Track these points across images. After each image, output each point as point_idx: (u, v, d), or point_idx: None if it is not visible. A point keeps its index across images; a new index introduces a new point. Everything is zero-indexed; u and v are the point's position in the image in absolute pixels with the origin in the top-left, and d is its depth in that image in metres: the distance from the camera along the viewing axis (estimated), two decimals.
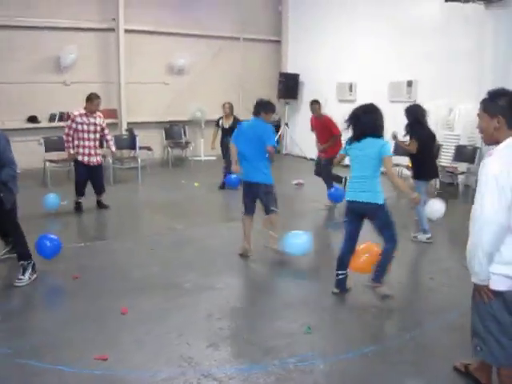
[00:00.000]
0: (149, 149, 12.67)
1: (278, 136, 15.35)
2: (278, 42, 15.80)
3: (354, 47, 13.02)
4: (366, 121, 5.04)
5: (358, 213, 5.15)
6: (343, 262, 5.24)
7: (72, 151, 8.46)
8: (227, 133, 10.32)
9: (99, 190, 8.85)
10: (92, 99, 8.43)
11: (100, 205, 8.90)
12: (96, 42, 12.96)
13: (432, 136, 7.46)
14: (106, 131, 8.78)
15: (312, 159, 12.62)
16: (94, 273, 5.92)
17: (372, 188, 5.03)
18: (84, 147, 8.42)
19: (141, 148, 12.10)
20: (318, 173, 9.65)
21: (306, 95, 14.96)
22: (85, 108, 8.44)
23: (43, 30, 12.02)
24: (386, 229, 5.08)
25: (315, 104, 9.33)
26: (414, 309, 5.12)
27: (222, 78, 14.75)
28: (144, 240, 7.19)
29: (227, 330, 4.55)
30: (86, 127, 8.38)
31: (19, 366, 3.93)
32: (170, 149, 13.40)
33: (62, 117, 12.40)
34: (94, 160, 8.56)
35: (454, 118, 10.68)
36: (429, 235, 7.32)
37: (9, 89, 11.65)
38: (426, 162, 7.30)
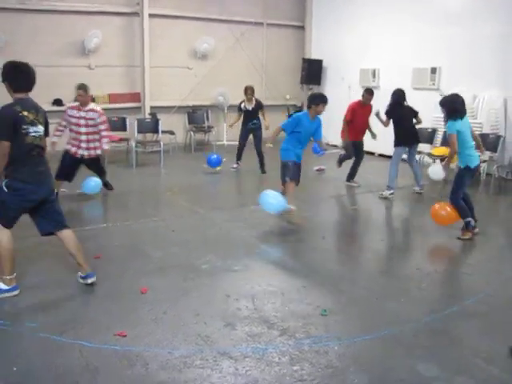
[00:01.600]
0: (171, 133, 12.77)
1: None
2: (302, 27, 15.73)
3: (377, 33, 12.93)
4: (464, 103, 6.83)
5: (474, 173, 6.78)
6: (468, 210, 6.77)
7: (54, 139, 7.98)
8: (250, 115, 10.45)
9: (98, 174, 8.66)
10: (76, 89, 8.27)
11: (105, 185, 8.76)
12: (120, 26, 13.05)
13: (412, 112, 9.11)
14: (102, 127, 8.26)
15: (334, 145, 12.66)
16: (115, 253, 6.05)
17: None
18: (73, 139, 8.18)
19: (163, 132, 12.21)
20: (359, 157, 9.86)
21: (330, 81, 14.96)
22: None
23: (68, 14, 12.16)
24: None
25: (372, 94, 9.58)
26: (430, 295, 5.15)
27: (245, 63, 14.76)
28: (165, 222, 7.30)
29: (244, 311, 4.63)
30: (75, 120, 8.12)
31: (43, 339, 4.05)
32: (192, 133, 13.48)
33: None
34: (85, 153, 8.18)
35: (478, 106, 10.58)
36: (392, 191, 8.92)
37: None
38: (403, 133, 8.95)
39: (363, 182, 9.79)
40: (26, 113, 4.57)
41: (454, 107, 6.75)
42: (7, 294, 4.76)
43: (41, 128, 4.72)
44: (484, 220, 7.59)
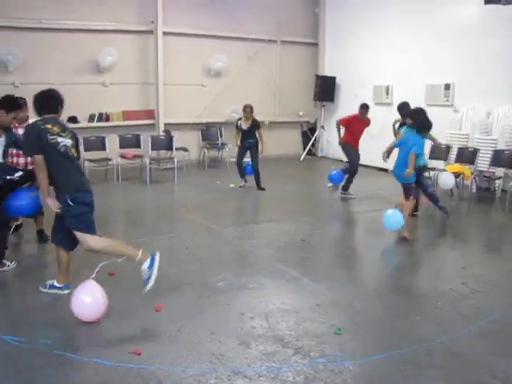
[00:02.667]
0: (185, 150, 12.84)
1: (313, 139, 15.41)
2: (315, 44, 15.82)
3: (391, 50, 12.97)
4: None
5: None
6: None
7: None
8: (246, 134, 10.52)
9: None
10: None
11: (40, 236, 6.96)
12: (135, 44, 13.20)
13: None
14: None
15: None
16: (129, 270, 6.03)
17: None
18: (17, 164, 6.57)
19: (177, 149, 12.27)
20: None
21: (343, 98, 14.98)
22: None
23: (84, 33, 12.32)
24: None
25: (367, 108, 10.13)
26: (445, 314, 5.10)
27: (258, 81, 14.84)
28: (179, 239, 7.31)
29: (259, 329, 4.61)
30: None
31: (57, 357, 4.06)
32: (206, 150, 13.55)
33: (101, 117, 12.69)
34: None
35: (492, 122, 10.55)
36: None
37: None
38: None
39: (377, 199, 9.76)
40: (49, 126, 4.85)
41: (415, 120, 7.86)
42: None
43: (69, 141, 4.96)
44: (499, 237, 7.55)
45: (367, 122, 10.25)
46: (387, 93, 13.28)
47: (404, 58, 12.63)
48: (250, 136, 10.57)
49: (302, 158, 15.06)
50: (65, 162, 4.89)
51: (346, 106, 14.16)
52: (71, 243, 5.14)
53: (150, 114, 13.49)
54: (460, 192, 10.19)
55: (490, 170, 10.00)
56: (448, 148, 10.70)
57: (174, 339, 4.40)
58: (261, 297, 5.35)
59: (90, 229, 4.98)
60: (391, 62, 13.01)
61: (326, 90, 15.04)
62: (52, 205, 4.92)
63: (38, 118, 5.00)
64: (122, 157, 11.60)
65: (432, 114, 11.22)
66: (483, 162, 10.20)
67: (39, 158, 4.78)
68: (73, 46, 12.22)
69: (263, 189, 10.65)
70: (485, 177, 10.01)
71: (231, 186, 10.81)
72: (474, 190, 10.17)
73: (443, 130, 11.08)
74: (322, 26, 15.60)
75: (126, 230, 8.16)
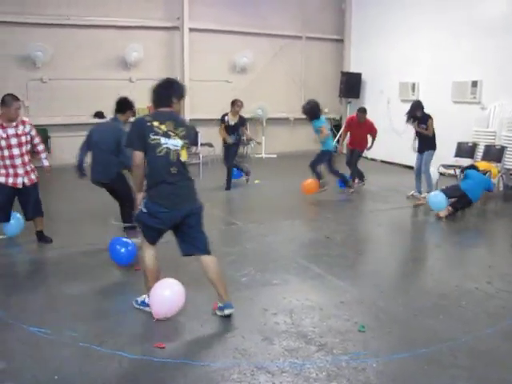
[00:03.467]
0: (210, 145, 12.89)
1: (338, 135, 15.34)
2: (341, 40, 15.74)
3: (417, 47, 12.83)
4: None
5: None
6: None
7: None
8: (232, 130, 10.36)
9: (32, 215, 6.70)
10: (7, 102, 6.19)
11: (40, 237, 6.81)
12: (161, 40, 13.31)
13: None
14: (37, 140, 6.66)
15: (373, 159, 12.68)
16: None
17: None
18: (6, 167, 6.34)
19: (202, 144, 12.33)
20: (349, 163, 10.83)
21: (368, 94, 14.89)
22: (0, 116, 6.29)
23: (110, 29, 12.46)
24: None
25: (365, 113, 10.48)
26: (470, 313, 5.06)
27: (283, 77, 14.84)
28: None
29: (282, 325, 4.62)
30: (3, 143, 6.23)
31: (83, 349, 4.13)
32: None
33: None
34: (26, 180, 6.49)
35: None
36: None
37: (77, 85, 12.11)
38: (433, 137, 9.39)
39: (401, 197, 9.68)
40: (156, 123, 4.43)
41: (315, 112, 9.75)
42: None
43: (178, 142, 4.51)
44: None
45: (367, 124, 10.41)
46: (413, 90, 13.14)
47: (431, 55, 12.49)
48: (233, 132, 10.36)
49: None
50: (159, 166, 4.46)
51: (372, 103, 14.08)
52: (194, 248, 4.84)
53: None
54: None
55: None
56: (475, 145, 10.58)
57: (197, 333, 4.44)
58: (284, 293, 5.36)
59: (147, 238, 4.76)
60: (418, 59, 12.86)
61: (351, 86, 14.94)
62: (138, 203, 4.64)
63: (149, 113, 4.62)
64: None
65: (459, 111, 11.21)
66: (511, 160, 10.07)
67: (138, 154, 4.43)
68: (99, 42, 12.37)
69: (229, 189, 10.46)
70: None
71: (256, 181, 10.82)
72: (501, 189, 10.06)
73: (470, 127, 10.96)
74: (347, 22, 15.50)
75: None
